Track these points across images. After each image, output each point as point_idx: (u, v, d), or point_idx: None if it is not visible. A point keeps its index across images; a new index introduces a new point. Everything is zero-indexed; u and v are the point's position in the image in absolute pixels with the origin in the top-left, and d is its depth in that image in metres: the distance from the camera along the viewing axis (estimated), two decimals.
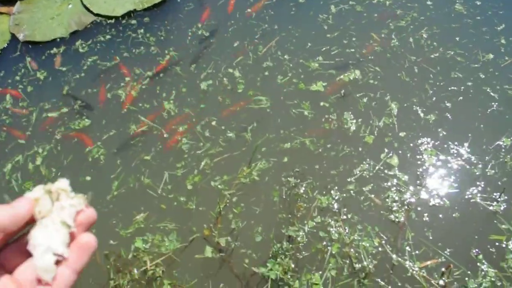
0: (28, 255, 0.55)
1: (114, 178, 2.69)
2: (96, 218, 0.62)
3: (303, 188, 2.41)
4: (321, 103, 2.74)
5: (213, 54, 3.23)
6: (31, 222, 0.57)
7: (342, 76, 2.87)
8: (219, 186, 2.51)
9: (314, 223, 2.28)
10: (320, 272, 2.14)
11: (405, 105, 2.68)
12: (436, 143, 2.50)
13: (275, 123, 2.70)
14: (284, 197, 2.41)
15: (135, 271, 2.26)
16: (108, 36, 3.57)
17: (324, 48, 3.06)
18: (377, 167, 2.43)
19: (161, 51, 3.35)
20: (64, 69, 3.43)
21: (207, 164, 2.61)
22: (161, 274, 2.22)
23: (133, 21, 3.63)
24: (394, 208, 2.29)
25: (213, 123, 2.78)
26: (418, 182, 2.36)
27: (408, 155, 2.47)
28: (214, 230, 2.33)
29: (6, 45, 3.80)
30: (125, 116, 3.00)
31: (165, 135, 2.81)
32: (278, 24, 3.32)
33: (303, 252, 2.21)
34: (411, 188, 2.35)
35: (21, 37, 3.81)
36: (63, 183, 0.62)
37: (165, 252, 2.30)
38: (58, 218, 0.57)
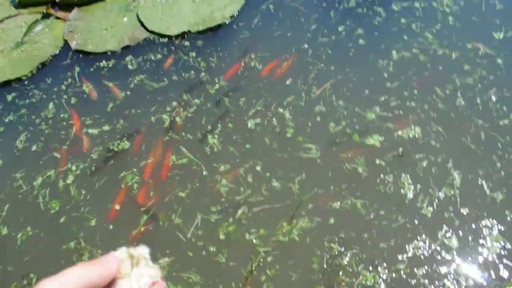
0: None
1: (144, 211, 2.52)
2: None
3: (347, 259, 2.17)
4: (377, 161, 2.49)
5: (264, 90, 3.05)
6: None
7: (400, 132, 2.62)
8: (254, 240, 2.30)
9: None
10: None
11: (469, 176, 2.40)
12: (503, 228, 2.21)
13: (325, 177, 2.48)
14: (324, 266, 2.17)
15: None
16: (159, 56, 3.47)
17: (382, 98, 2.83)
18: (433, 247, 2.16)
19: (211, 79, 3.20)
20: (110, 84, 3.33)
21: (244, 213, 2.41)
22: None
23: (186, 43, 3.52)
24: None
25: (258, 167, 2.59)
26: (480, 273, 2.07)
27: (470, 238, 2.19)
28: None
29: (58, 51, 3.78)
30: (166, 144, 2.84)
31: (204, 173, 2.63)
32: (335, 64, 3.12)
33: None
34: (471, 281, 2.06)
35: (73, 45, 3.76)
36: (144, 250, 0.70)
37: None
38: (136, 284, 0.64)
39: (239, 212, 2.43)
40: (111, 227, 2.52)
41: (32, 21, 4.10)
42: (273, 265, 2.21)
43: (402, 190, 2.37)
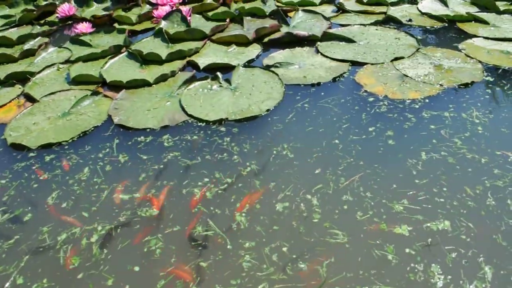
0: None
1: (163, 276, 2.47)
2: None
3: None
4: (407, 250, 2.44)
5: (293, 176, 3.14)
6: None
7: (429, 224, 2.60)
8: None
9: None
10: None
11: (502, 272, 2.31)
12: None
13: (354, 262, 2.42)
14: None
15: None
16: (195, 137, 3.64)
17: (410, 192, 2.86)
18: None
19: (243, 162, 3.32)
20: (145, 157, 3.48)
21: None
22: None
23: (222, 128, 3.73)
24: None
25: (284, 249, 2.56)
26: None
27: None
28: None
29: (101, 124, 4.02)
30: (194, 216, 2.88)
31: (228, 246, 2.61)
32: (364, 160, 3.22)
33: None
34: None
35: (116, 120, 4.02)
36: None
37: None
38: None
39: (259, 287, 2.35)
40: (127, 287, 2.45)
41: (81, 96, 4.45)
42: None
43: (432, 280, 2.28)
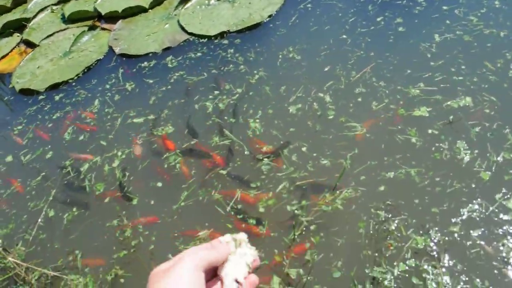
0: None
1: (185, 188, 2.52)
2: (259, 264, 0.83)
3: (395, 224, 2.06)
4: (429, 130, 2.40)
5: (303, 77, 3.05)
6: None
7: (449, 103, 2.52)
8: (295, 211, 2.23)
9: (406, 267, 1.90)
10: None
11: None
12: None
13: (378, 150, 2.42)
14: (371, 231, 2.06)
15: None
16: (198, 54, 3.55)
17: (426, 75, 2.75)
18: (490, 209, 2.02)
19: (250, 71, 3.24)
20: (151, 81, 3.43)
21: (285, 188, 2.35)
22: None
23: (225, 41, 3.61)
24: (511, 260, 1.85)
25: (303, 148, 2.55)
26: None
27: None
28: (285, 259, 2.03)
29: (103, 56, 3.94)
30: (210, 128, 2.88)
31: (245, 152, 2.62)
32: (374, 51, 3.08)
33: None
34: None
35: (117, 50, 3.93)
36: (243, 236, 0.84)
37: None
38: (242, 260, 0.80)
39: (280, 186, 2.37)
40: (152, 202, 2.53)
41: (79, 33, 4.33)
42: (318, 233, 2.12)
43: (458, 156, 2.26)
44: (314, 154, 2.49)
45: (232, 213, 2.33)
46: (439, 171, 2.21)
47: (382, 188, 2.22)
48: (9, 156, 3.24)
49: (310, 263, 2.01)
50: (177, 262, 0.74)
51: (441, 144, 2.34)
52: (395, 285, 1.86)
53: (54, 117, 3.47)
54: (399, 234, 2.02)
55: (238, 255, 0.86)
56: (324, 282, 1.94)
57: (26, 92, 3.87)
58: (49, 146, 3.21)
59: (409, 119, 2.53)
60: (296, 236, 2.12)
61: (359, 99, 2.77)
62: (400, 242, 1.99)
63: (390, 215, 2.10)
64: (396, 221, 2.07)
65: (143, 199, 2.56)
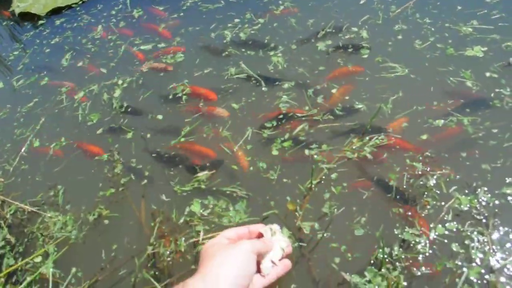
0: None
1: (188, 122, 2.18)
2: (291, 251, 1.12)
3: (434, 180, 1.68)
4: (487, 74, 1.99)
5: (334, 10, 2.62)
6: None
7: (510, 43, 2.09)
8: (315, 156, 1.87)
9: (446, 231, 1.55)
10: None
11: None
12: None
13: (425, 93, 2.02)
14: (404, 186, 1.70)
15: (182, 241, 1.70)
16: None
17: (481, 12, 2.31)
18: None
19: (275, 0, 2.81)
20: (161, 8, 3.04)
21: (303, 130, 1.99)
22: None
23: None
24: None
25: (333, 90, 2.15)
26: None
27: None
28: (299, 210, 1.69)
29: None
30: (225, 59, 2.53)
31: (263, 89, 2.25)
32: None
33: (423, 268, 1.48)
34: None
35: None
36: (277, 227, 1.15)
37: (226, 224, 1.72)
38: (278, 245, 1.09)
39: (299, 128, 2.01)
40: (148, 135, 2.20)
41: None
42: (340, 183, 1.77)
43: None
44: (346, 97, 2.09)
45: (239, 153, 1.97)
46: (498, 121, 1.81)
47: (424, 137, 1.83)
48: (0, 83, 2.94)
49: (328, 217, 1.67)
50: (238, 243, 0.98)
51: (501, 90, 1.93)
52: (430, 251, 1.51)
53: (52, 42, 3.12)
54: (438, 191, 1.65)
55: (275, 241, 1.09)
56: (344, 241, 1.60)
57: (26, 17, 3.52)
58: (45, 72, 2.88)
59: (460, 60, 2.11)
60: (313, 185, 1.76)
61: (399, 37, 2.35)
62: (439, 201, 1.63)
63: (428, 169, 1.72)
64: (436, 176, 1.70)
65: (139, 132, 2.24)
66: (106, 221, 1.89)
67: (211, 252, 1.00)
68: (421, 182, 1.69)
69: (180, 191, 1.89)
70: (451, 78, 2.04)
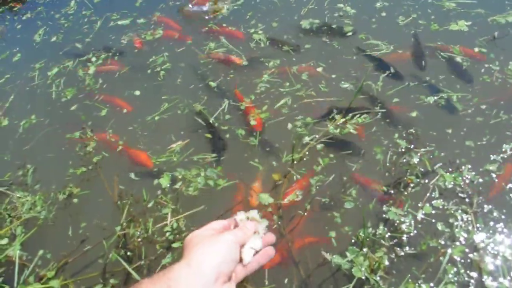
0: None
1: (165, 99, 2.09)
2: (274, 240, 1.00)
3: (418, 158, 1.63)
4: (476, 49, 1.93)
5: None
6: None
7: (495, 17, 2.04)
8: (297, 129, 1.81)
9: (432, 210, 1.49)
10: (431, 284, 1.35)
11: None
12: None
13: (416, 70, 1.97)
14: (387, 164, 1.64)
15: (151, 224, 1.62)
16: None
17: None
18: None
19: None
20: None
21: (285, 104, 1.92)
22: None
23: None
24: None
25: (319, 69, 2.07)
26: None
27: None
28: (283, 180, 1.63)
29: None
30: (206, 35, 2.45)
31: (243, 63, 2.17)
32: None
33: (407, 248, 1.43)
34: None
35: None
36: (255, 213, 1.05)
37: (193, 194, 1.64)
38: (257, 232, 1.03)
39: (281, 102, 1.94)
40: (124, 111, 2.11)
41: None
42: (327, 154, 1.70)
43: (510, 80, 1.80)
44: (333, 76, 2.02)
45: (216, 124, 1.90)
46: (487, 97, 1.76)
47: (414, 114, 1.77)
48: None
49: (313, 188, 1.61)
50: (220, 234, 0.97)
51: (490, 66, 1.87)
52: (414, 231, 1.45)
53: (24, 17, 2.99)
54: (422, 169, 1.60)
55: (251, 228, 1.04)
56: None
57: None
58: (17, 48, 2.75)
59: (445, 34, 2.05)
60: (295, 160, 1.70)
61: (383, 14, 2.27)
62: (423, 179, 1.57)
63: (412, 146, 1.67)
64: (420, 154, 1.65)
65: (116, 108, 2.14)
66: (75, 200, 1.80)
67: (195, 241, 0.98)
68: (404, 160, 1.63)
69: (154, 161, 1.83)
70: (442, 53, 1.98)
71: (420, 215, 1.48)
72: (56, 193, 1.83)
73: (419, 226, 1.47)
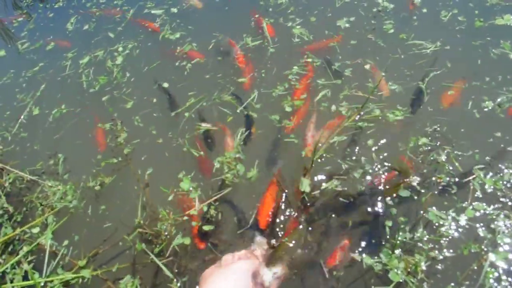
0: None
1: (192, 95, 2.07)
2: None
3: (445, 156, 1.56)
4: None
5: None
6: None
7: None
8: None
9: (474, 212, 1.42)
10: None
11: None
12: None
13: (469, 67, 1.87)
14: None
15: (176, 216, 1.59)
16: None
17: None
18: None
19: None
20: None
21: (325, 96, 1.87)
22: None
23: None
24: None
25: (366, 66, 2.01)
26: None
27: None
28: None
29: None
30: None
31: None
32: None
33: (445, 251, 1.37)
34: None
35: None
36: (260, 238, 1.24)
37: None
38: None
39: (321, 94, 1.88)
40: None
41: None
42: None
43: None
44: (383, 74, 1.95)
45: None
46: None
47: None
48: (2, 51, 2.84)
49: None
50: (233, 263, 1.08)
51: None
52: (455, 234, 1.39)
53: (56, 6, 3.01)
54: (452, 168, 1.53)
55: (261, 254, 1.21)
56: None
57: None
58: (51, 37, 2.77)
59: (493, 30, 1.95)
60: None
61: (424, 10, 2.18)
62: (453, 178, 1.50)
63: (438, 143, 1.60)
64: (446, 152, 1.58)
65: (142, 99, 2.14)
66: (106, 191, 1.80)
67: (208, 275, 1.08)
68: (431, 158, 1.57)
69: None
70: (493, 50, 1.89)
71: (462, 219, 1.41)
72: (87, 182, 1.83)
73: (460, 230, 1.40)
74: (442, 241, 1.39)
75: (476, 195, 1.47)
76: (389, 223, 1.44)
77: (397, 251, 1.37)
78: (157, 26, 2.48)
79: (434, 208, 1.46)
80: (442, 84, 1.81)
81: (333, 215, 1.52)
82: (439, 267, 1.34)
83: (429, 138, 1.64)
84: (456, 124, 1.67)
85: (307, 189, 1.56)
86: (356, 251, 1.41)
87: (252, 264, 1.15)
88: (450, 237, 1.39)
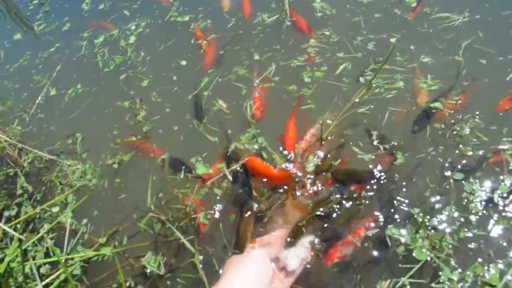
0: None
1: (211, 73, 2.03)
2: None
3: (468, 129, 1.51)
4: None
5: None
6: None
7: None
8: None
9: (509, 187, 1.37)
10: (502, 267, 1.24)
11: None
12: None
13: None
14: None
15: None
16: None
17: None
18: None
19: None
20: None
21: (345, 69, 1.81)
22: None
23: None
24: None
25: (391, 39, 1.94)
26: None
27: None
28: None
29: None
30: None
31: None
32: None
33: (475, 230, 1.31)
34: None
35: None
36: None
37: None
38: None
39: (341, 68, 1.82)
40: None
41: None
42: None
43: None
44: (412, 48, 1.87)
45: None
46: None
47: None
48: (18, 34, 2.82)
49: None
50: (251, 251, 1.08)
51: None
52: (484, 212, 1.33)
53: None
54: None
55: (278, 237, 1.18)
56: None
57: None
58: (66, 18, 2.74)
59: None
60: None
61: None
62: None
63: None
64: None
65: (161, 77, 2.10)
66: (126, 169, 1.78)
67: (229, 265, 1.08)
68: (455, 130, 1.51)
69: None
70: None
71: (496, 196, 1.36)
72: (106, 161, 1.82)
73: (489, 207, 1.35)
74: (471, 218, 1.34)
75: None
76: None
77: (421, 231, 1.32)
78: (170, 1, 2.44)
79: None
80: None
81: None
82: (467, 243, 1.30)
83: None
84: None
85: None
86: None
87: (272, 248, 1.14)
88: (479, 214, 1.34)
